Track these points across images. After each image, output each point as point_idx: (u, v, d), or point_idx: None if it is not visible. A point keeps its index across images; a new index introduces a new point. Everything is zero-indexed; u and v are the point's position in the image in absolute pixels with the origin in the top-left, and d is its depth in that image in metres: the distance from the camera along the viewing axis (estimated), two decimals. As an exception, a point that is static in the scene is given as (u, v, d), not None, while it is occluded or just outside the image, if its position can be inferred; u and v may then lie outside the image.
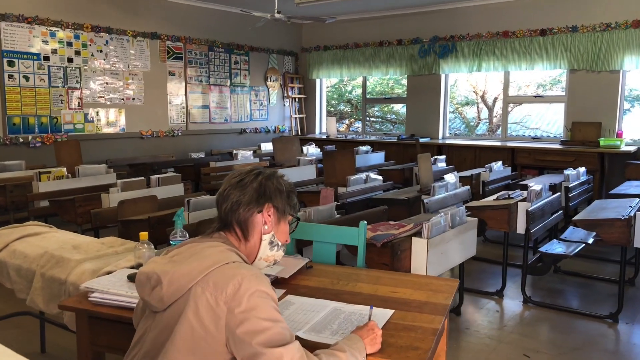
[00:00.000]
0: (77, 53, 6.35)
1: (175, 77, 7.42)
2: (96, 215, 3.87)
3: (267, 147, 7.69)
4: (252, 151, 6.96)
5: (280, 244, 1.61)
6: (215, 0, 7.54)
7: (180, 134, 7.51)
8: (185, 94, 7.57)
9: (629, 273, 4.30)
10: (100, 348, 1.87)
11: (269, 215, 1.56)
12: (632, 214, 3.59)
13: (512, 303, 3.97)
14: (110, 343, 1.85)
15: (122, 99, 6.84)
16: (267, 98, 8.86)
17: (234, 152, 6.69)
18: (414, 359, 1.45)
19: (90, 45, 6.46)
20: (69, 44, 6.27)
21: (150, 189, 4.29)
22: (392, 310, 1.76)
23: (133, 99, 6.95)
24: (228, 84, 8.16)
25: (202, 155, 7.10)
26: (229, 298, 1.31)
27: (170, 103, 7.39)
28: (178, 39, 7.40)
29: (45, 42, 6.05)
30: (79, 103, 6.41)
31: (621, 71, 6.62)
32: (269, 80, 8.82)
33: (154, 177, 4.37)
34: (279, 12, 6.07)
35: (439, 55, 7.87)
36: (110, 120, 6.75)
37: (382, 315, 1.73)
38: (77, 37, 6.33)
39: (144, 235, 2.13)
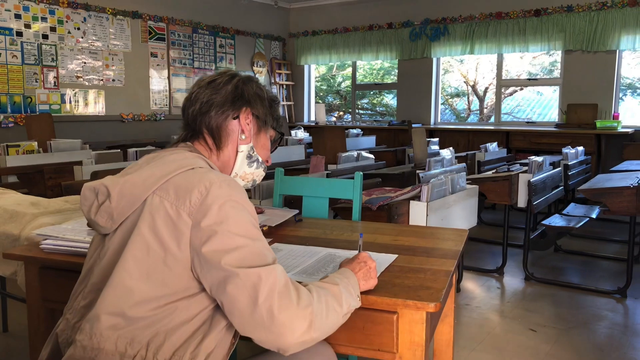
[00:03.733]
0: (53, 30, 6.03)
1: (157, 58, 7.11)
2: (67, 188, 3.57)
3: (253, 132, 7.41)
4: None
5: (260, 160, 1.33)
6: (199, -21, 7.27)
7: (163, 118, 7.21)
8: (168, 77, 7.27)
9: (634, 250, 4.10)
10: (52, 304, 1.59)
11: (248, 123, 1.28)
12: (640, 182, 3.39)
13: (514, 280, 3.75)
14: (65, 298, 1.55)
15: (102, 80, 6.53)
16: (254, 84, 8.57)
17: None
18: (427, 297, 1.19)
19: (66, 22, 6.14)
20: (44, 19, 5.95)
21: (126, 162, 4.01)
22: (396, 255, 1.51)
23: (113, 80, 6.64)
24: (213, 67, 7.87)
25: (185, 139, 6.81)
26: (194, 208, 1.04)
27: (152, 86, 7.09)
28: (160, 19, 7.10)
29: (18, 16, 5.73)
30: (55, 82, 6.09)
31: (617, 51, 6.45)
32: (255, 65, 8.55)
33: (131, 150, 4.08)
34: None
35: (430, 39, 7.65)
36: (88, 101, 6.43)
37: (384, 258, 1.48)
38: (52, 12, 6.01)
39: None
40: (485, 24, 7.21)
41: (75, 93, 6.30)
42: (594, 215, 3.88)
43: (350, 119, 9.12)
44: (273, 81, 8.88)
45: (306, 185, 2.20)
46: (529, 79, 7.93)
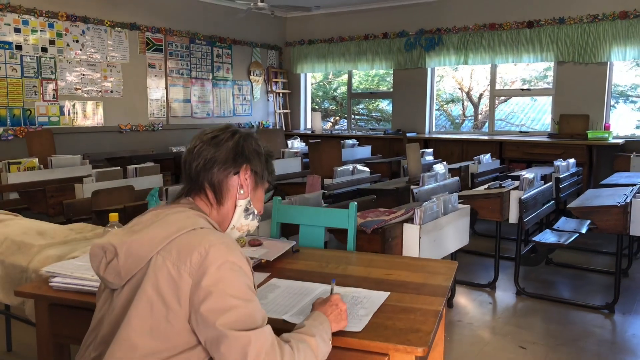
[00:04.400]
0: (52, 43, 6.10)
1: (155, 69, 7.18)
2: (69, 206, 3.65)
3: (250, 141, 7.48)
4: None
5: (255, 212, 1.42)
6: (196, -9, 7.34)
7: (160, 128, 7.28)
8: (166, 87, 7.34)
9: (622, 264, 4.20)
10: (62, 339, 1.67)
11: (246, 179, 1.37)
12: (628, 201, 3.48)
13: (505, 295, 3.84)
14: (74, 333, 1.65)
15: (100, 92, 6.59)
16: (251, 93, 8.66)
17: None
18: (415, 342, 1.28)
19: (65, 34, 6.21)
20: (43, 32, 6.01)
21: (127, 179, 4.08)
22: (388, 293, 1.60)
23: (111, 91, 6.71)
24: (210, 77, 7.94)
25: (183, 149, 6.87)
26: (194, 268, 1.13)
27: (150, 96, 7.15)
28: (158, 31, 7.17)
29: (18, 30, 5.79)
30: (54, 95, 6.16)
31: (608, 63, 6.56)
32: (252, 74, 8.63)
33: (130, 167, 4.16)
34: (262, 1, 5.90)
35: (425, 49, 7.74)
36: (87, 113, 6.50)
37: (377, 297, 1.57)
38: (51, 25, 6.07)
39: (113, 216, 1.94)
40: (479, 35, 7.31)
41: (74, 105, 6.36)
42: (583, 231, 3.96)
43: (345, 124, 9.21)
44: (270, 89, 8.96)
45: (303, 215, 2.28)
46: (522, 89, 8.02)
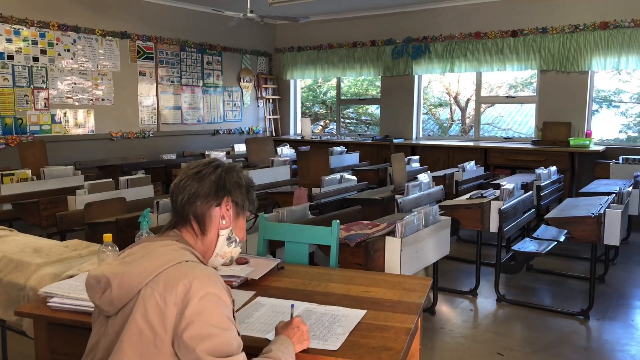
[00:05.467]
0: (43, 52, 6.17)
1: (146, 77, 7.27)
2: (62, 218, 3.75)
3: (240, 148, 7.58)
4: (225, 152, 6.87)
5: (237, 240, 1.53)
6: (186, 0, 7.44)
7: (151, 135, 7.37)
8: (157, 95, 7.43)
9: (599, 270, 4.36)
10: (60, 357, 1.78)
11: (227, 210, 1.48)
12: (602, 212, 3.63)
13: (486, 302, 3.98)
14: (71, 351, 1.76)
15: (91, 100, 6.67)
16: (241, 99, 8.77)
17: (206, 153, 6.59)
18: (387, 359, 1.41)
19: (57, 44, 6.29)
20: (34, 42, 6.08)
21: (118, 190, 4.18)
22: (365, 311, 1.72)
23: (102, 99, 6.79)
24: (200, 84, 8.04)
25: (173, 156, 6.97)
26: (179, 299, 1.25)
27: (141, 104, 7.24)
28: (149, 39, 7.26)
29: (9, 40, 5.86)
30: (45, 104, 6.23)
31: (589, 72, 6.73)
32: (242, 80, 8.73)
33: (122, 179, 4.26)
34: (251, 12, 6.00)
35: (412, 56, 7.89)
36: (78, 121, 6.57)
37: (354, 315, 1.69)
38: (42, 35, 6.14)
39: (107, 237, 2.04)
40: (464, 44, 7.46)
41: (65, 113, 6.44)
42: (561, 239, 4.11)
43: (335, 127, 9.35)
44: (260, 95, 9.07)
45: (287, 232, 2.40)
46: (507, 97, 8.20)
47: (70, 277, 2.03)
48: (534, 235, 4.18)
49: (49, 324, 1.76)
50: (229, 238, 1.50)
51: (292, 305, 1.60)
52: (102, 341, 1.34)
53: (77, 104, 6.54)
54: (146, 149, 7.24)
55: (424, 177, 4.64)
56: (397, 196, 4.18)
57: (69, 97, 6.45)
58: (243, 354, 1.27)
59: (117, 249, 2.07)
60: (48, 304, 1.76)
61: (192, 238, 1.46)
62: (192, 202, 1.44)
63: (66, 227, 3.80)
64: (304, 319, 1.65)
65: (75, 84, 6.50)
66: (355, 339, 1.51)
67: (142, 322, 1.25)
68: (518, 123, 10.25)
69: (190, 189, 1.45)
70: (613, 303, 3.95)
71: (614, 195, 4.24)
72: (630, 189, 4.49)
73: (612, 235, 3.71)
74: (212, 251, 1.49)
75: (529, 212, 4.47)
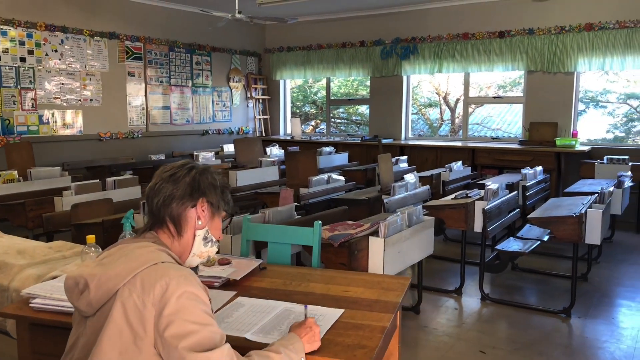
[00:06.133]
0: (31, 52, 6.15)
1: (134, 77, 7.27)
2: (48, 220, 3.76)
3: (229, 148, 7.60)
4: (213, 152, 6.88)
5: (214, 239, 1.57)
6: (175, 0, 7.42)
7: (140, 135, 7.37)
8: (145, 95, 7.43)
9: (582, 269, 4.42)
10: (43, 357, 1.80)
11: (203, 211, 1.51)
12: (583, 212, 3.69)
13: (471, 300, 4.03)
14: (54, 351, 1.78)
15: (79, 100, 6.66)
16: (230, 99, 8.78)
17: (195, 153, 6.60)
18: (360, 357, 1.44)
19: (44, 44, 6.27)
20: (22, 43, 6.06)
21: (106, 192, 4.19)
22: (342, 310, 1.76)
23: (91, 100, 6.78)
24: (190, 84, 8.05)
25: (162, 157, 6.97)
26: (157, 299, 1.28)
27: (129, 104, 7.24)
28: (137, 39, 7.25)
29: (-4, 41, 5.85)
30: (32, 104, 6.22)
31: (575, 73, 6.81)
32: (231, 81, 8.74)
33: (109, 180, 4.27)
34: (239, 12, 6.02)
35: (400, 57, 7.94)
36: (66, 121, 6.56)
37: (332, 314, 1.72)
38: (30, 36, 6.13)
39: (90, 238, 2.07)
40: (452, 44, 7.52)
41: (53, 114, 6.43)
42: (545, 239, 4.17)
43: (325, 127, 9.40)
44: (249, 96, 9.09)
45: (270, 233, 2.43)
46: (495, 97, 8.27)
47: (54, 278, 2.05)
48: (518, 234, 4.24)
49: (31, 325, 1.78)
50: (205, 238, 1.53)
51: (306, 307, 1.62)
52: (80, 340, 1.36)
53: (65, 104, 6.53)
54: (135, 150, 7.24)
55: (410, 178, 4.69)
56: (383, 196, 4.22)
57: (56, 98, 6.44)
58: (227, 345, 1.30)
59: (101, 250, 2.09)
60: (30, 305, 1.78)
61: (168, 239, 1.49)
62: (167, 204, 1.47)
63: (52, 229, 3.81)
64: (282, 319, 1.69)
65: (63, 84, 6.49)
66: (331, 338, 1.54)
67: (121, 322, 1.28)
68: (507, 123, 10.32)
69: (166, 192, 1.47)
70: (595, 301, 4.01)
71: (596, 195, 4.30)
72: (612, 189, 4.56)
73: (593, 234, 3.77)
74: (189, 251, 1.52)
75: (514, 212, 4.53)
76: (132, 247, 1.40)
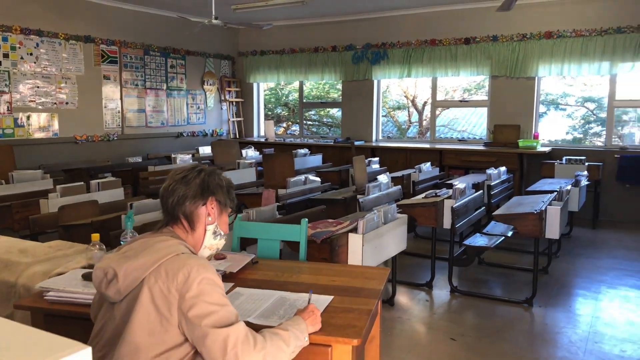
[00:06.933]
0: (6, 56, 6.17)
1: (110, 81, 7.33)
2: (35, 221, 3.85)
3: (205, 150, 7.74)
4: (190, 155, 7.00)
5: (222, 233, 1.77)
6: (150, 4, 7.51)
7: (116, 138, 7.43)
8: (121, 98, 7.49)
9: (542, 262, 4.75)
10: (56, 344, 1.95)
11: (212, 208, 1.71)
12: (543, 209, 4.00)
13: (441, 293, 4.30)
14: (67, 339, 1.94)
15: (55, 103, 6.70)
16: (205, 102, 8.90)
17: (173, 155, 6.71)
18: (351, 335, 1.66)
19: (19, 47, 6.29)
20: (-3, 46, 6.09)
21: (90, 193, 4.30)
22: (332, 296, 1.97)
23: (66, 103, 6.81)
24: (164, 87, 8.14)
25: (139, 159, 7.06)
26: (180, 285, 1.47)
27: (105, 107, 7.30)
28: (113, 43, 7.32)
29: (-28, 44, 5.86)
30: (8, 107, 6.23)
31: (536, 77, 7.20)
32: (206, 84, 8.87)
33: (93, 182, 4.37)
34: (216, 18, 6.17)
35: (371, 62, 8.21)
36: (42, 124, 6.59)
37: (324, 300, 1.93)
38: (5, 39, 6.15)
39: (95, 236, 2.23)
40: (420, 50, 7.83)
41: (29, 117, 6.45)
42: (509, 234, 4.47)
43: (297, 129, 9.59)
44: (223, 98, 9.22)
45: (260, 230, 2.63)
46: (461, 101, 8.62)
47: (59, 274, 2.20)
48: (484, 231, 4.53)
49: (46, 316, 1.94)
50: (214, 232, 1.74)
51: (311, 292, 1.84)
52: (108, 325, 1.54)
53: (40, 107, 6.55)
54: (111, 152, 7.30)
55: (383, 178, 4.94)
56: (358, 196, 4.45)
57: (32, 101, 6.46)
58: (242, 322, 1.50)
59: (104, 247, 2.25)
60: (45, 297, 1.93)
61: (183, 234, 1.68)
62: (181, 203, 1.67)
63: (39, 230, 3.90)
64: (279, 305, 1.89)
65: (38, 87, 6.51)
66: (325, 319, 1.75)
67: (149, 306, 1.47)
68: (473, 125, 10.73)
69: (179, 192, 1.67)
70: (554, 291, 4.33)
71: (555, 193, 4.63)
72: (569, 187, 4.90)
73: (553, 229, 4.08)
74: (200, 244, 1.72)
75: (480, 210, 4.82)
76: (154, 241, 1.59)
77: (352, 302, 1.93)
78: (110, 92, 7.34)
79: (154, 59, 7.92)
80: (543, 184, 5.66)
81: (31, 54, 6.42)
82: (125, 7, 7.44)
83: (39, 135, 6.56)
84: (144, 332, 1.46)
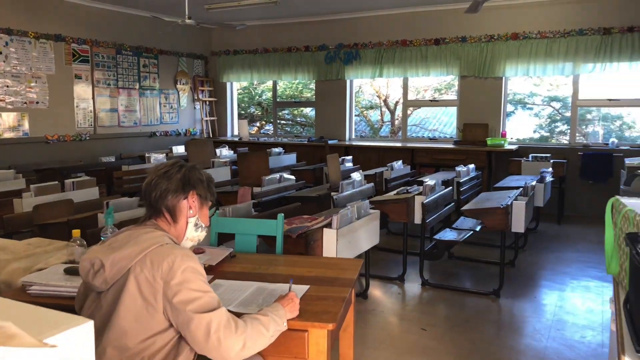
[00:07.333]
0: (-25, 54, 6.09)
1: (82, 80, 7.28)
2: (9, 221, 3.85)
3: (178, 149, 7.74)
4: (164, 154, 7.01)
5: (203, 225, 1.85)
6: (122, 3, 7.48)
7: (88, 138, 7.38)
8: (93, 98, 7.44)
9: (509, 256, 4.93)
10: (40, 337, 2.00)
11: (194, 201, 1.80)
12: (509, 203, 4.17)
13: (412, 286, 4.44)
14: (50, 332, 1.99)
15: (25, 103, 6.62)
16: (177, 101, 8.89)
17: (147, 155, 6.71)
18: (327, 320, 1.76)
19: (-12, 46, 6.21)
20: (-34, 45, 6.00)
21: (65, 193, 4.29)
22: (308, 286, 2.06)
23: (37, 102, 6.75)
24: (137, 87, 8.11)
25: (112, 159, 7.03)
26: (165, 273, 1.55)
27: (77, 107, 7.24)
28: (84, 42, 7.27)
29: (-61, 42, 5.76)
30: (-23, 107, 6.14)
31: (503, 78, 7.43)
32: (179, 83, 8.86)
33: (68, 181, 4.37)
34: (189, 18, 6.20)
35: (344, 62, 8.34)
36: (12, 124, 6.51)
37: (300, 289, 2.03)
38: (-26, 38, 6.06)
39: (76, 232, 2.28)
40: (392, 51, 7.99)
41: (-1, 116, 6.36)
42: (477, 229, 4.64)
43: (271, 129, 9.65)
44: (196, 98, 9.22)
45: (238, 225, 2.71)
46: (431, 100, 8.82)
47: (40, 270, 2.24)
48: (454, 225, 4.69)
49: (29, 310, 1.98)
50: (196, 224, 1.81)
51: (291, 280, 1.93)
52: (95, 315, 1.60)
53: (10, 106, 6.47)
54: (83, 152, 7.25)
55: (357, 176, 5.06)
56: (332, 193, 4.56)
57: (1, 100, 6.38)
58: (224, 308, 1.59)
59: (85, 243, 2.30)
60: (28, 291, 1.98)
61: (166, 226, 1.75)
62: (164, 197, 1.74)
63: (13, 230, 3.89)
64: (258, 294, 1.98)
65: (7, 86, 6.43)
66: (302, 307, 1.84)
67: (135, 293, 1.54)
68: (443, 124, 10.96)
69: (162, 186, 1.75)
70: (521, 283, 4.51)
71: (521, 189, 4.82)
72: (534, 183, 5.10)
73: (518, 223, 4.26)
74: (183, 236, 1.80)
75: (449, 206, 4.98)
76: (139, 233, 1.66)
77: (328, 290, 2.03)
78: (82, 91, 7.29)
79: (126, 58, 7.88)
80: (510, 181, 5.86)
81: (0, 53, 6.33)
82: (97, 6, 7.39)
83: (8, 135, 6.48)
84: (131, 318, 1.53)
